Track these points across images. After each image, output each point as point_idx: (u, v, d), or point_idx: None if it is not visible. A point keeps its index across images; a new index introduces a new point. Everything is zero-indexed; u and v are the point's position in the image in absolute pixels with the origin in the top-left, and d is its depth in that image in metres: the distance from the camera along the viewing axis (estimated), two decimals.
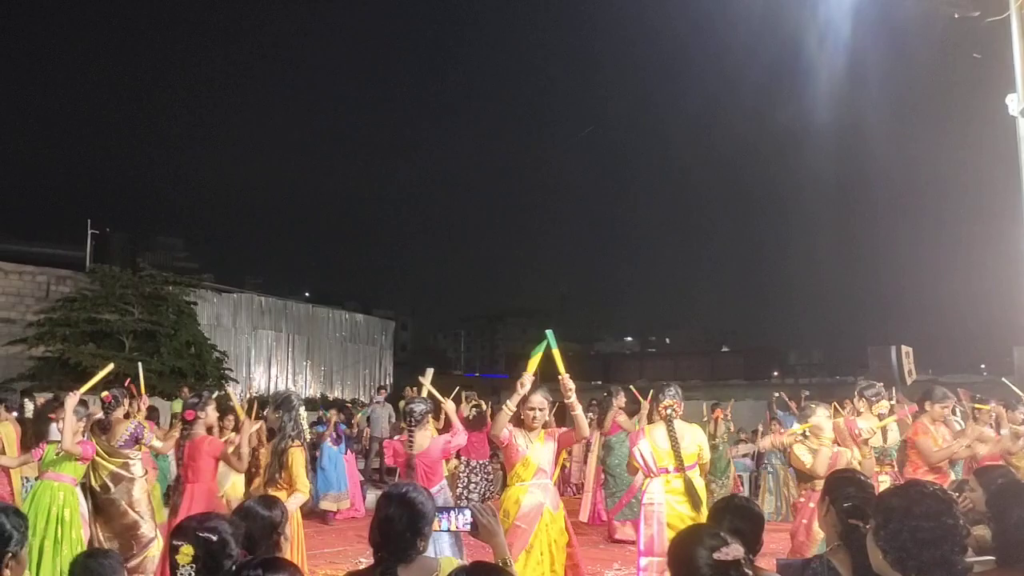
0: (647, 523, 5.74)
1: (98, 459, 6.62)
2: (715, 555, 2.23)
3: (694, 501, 5.65)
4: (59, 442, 6.08)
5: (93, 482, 6.67)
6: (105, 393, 6.90)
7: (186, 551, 2.66)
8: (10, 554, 2.49)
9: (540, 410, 5.28)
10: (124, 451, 6.75)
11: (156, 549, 6.50)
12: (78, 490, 6.32)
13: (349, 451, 12.35)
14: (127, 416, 6.95)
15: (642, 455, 5.89)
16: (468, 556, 5.39)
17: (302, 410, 5.77)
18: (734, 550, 2.25)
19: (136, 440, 6.78)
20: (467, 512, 3.16)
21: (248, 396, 21.29)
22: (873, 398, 6.45)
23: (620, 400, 10.48)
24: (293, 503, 5.32)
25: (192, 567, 2.63)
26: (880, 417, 6.30)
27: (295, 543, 5.44)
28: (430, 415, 6.23)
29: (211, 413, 6.23)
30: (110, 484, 6.70)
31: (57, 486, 6.12)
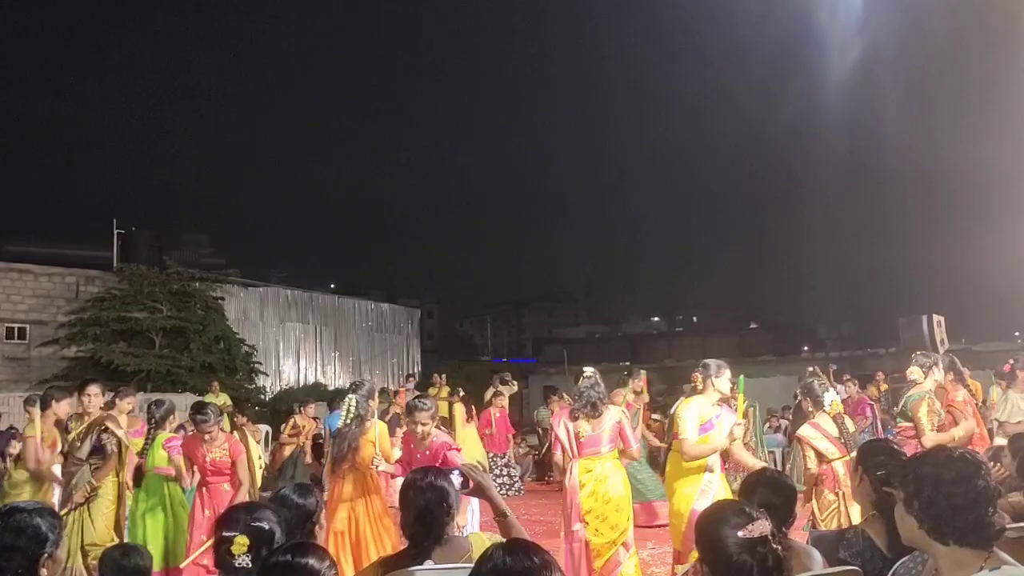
0: None
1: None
2: (740, 533, 2.20)
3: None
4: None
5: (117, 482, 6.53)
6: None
7: (241, 541, 2.69)
8: (46, 554, 2.50)
9: None
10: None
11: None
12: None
13: None
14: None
15: None
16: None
17: (346, 397, 5.93)
18: (760, 526, 2.22)
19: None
20: (456, 472, 3.21)
21: (279, 390, 21.53)
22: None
23: (637, 384, 10.50)
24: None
25: (248, 556, 2.67)
26: (908, 384, 6.26)
27: (363, 534, 5.56)
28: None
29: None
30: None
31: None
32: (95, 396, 6.65)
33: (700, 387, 5.76)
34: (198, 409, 6.13)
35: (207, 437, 5.97)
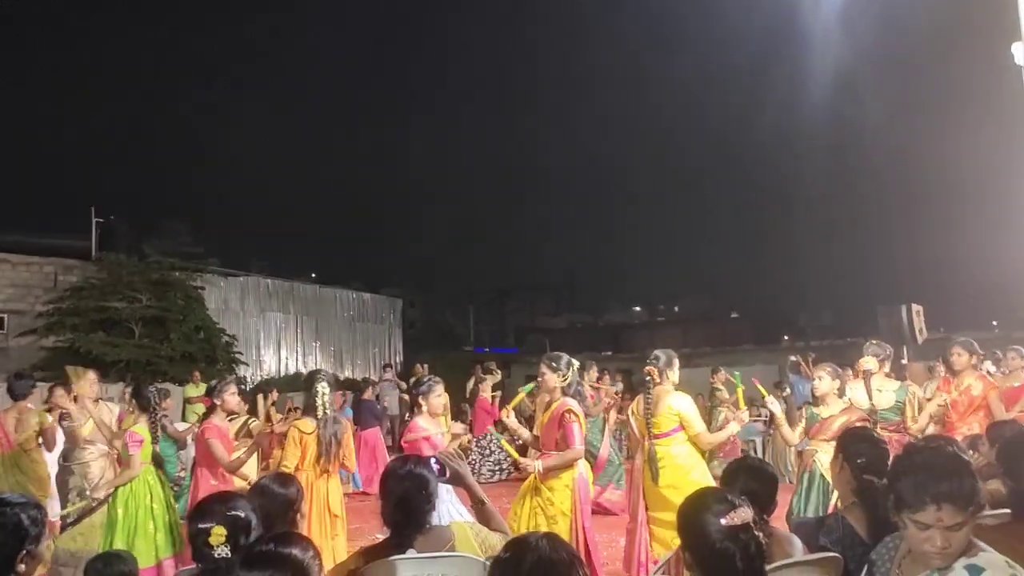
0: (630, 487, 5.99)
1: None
2: (723, 520, 2.23)
3: (652, 471, 5.50)
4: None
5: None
6: None
7: (219, 532, 2.69)
8: (25, 551, 2.45)
9: None
10: None
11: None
12: None
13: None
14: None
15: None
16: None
17: (319, 387, 5.75)
18: (742, 513, 2.24)
19: None
20: (432, 460, 3.22)
21: (259, 379, 21.42)
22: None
23: (591, 374, 10.53)
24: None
25: (227, 547, 2.67)
26: (864, 375, 6.28)
27: (326, 522, 5.50)
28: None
29: (228, 398, 6.22)
30: None
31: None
32: (94, 383, 6.73)
33: (658, 380, 5.65)
34: (224, 386, 6.26)
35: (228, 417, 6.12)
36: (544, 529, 5.05)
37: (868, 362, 6.27)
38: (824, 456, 5.51)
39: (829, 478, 5.37)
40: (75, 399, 6.95)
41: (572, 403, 5.35)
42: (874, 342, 6.52)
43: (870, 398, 6.12)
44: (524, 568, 1.80)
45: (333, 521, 5.56)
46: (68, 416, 6.96)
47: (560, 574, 1.79)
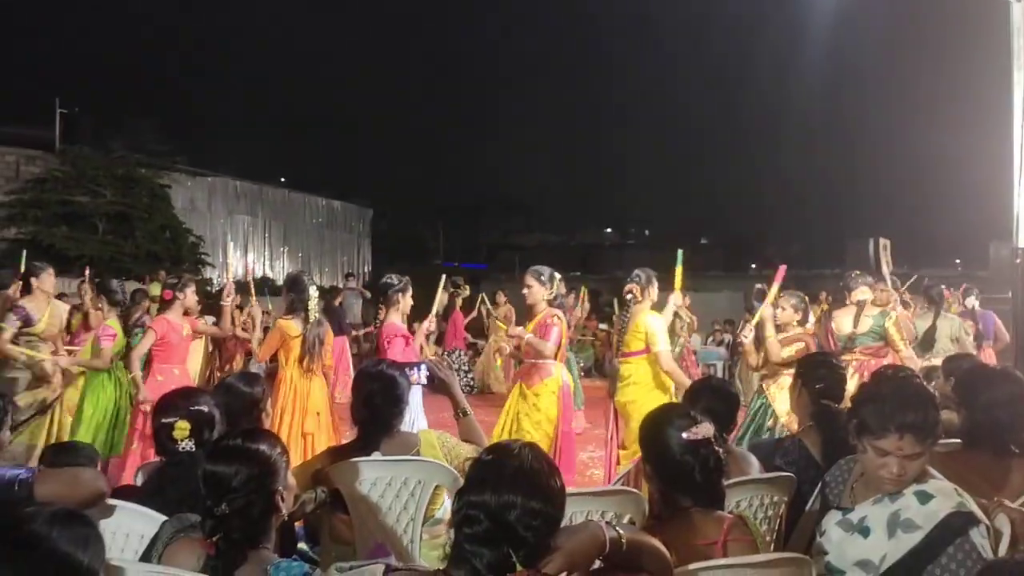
0: None
1: None
2: (684, 435, 2.27)
3: (611, 388, 5.83)
4: None
5: None
6: None
7: (182, 426, 2.74)
8: None
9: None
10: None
11: None
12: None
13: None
14: None
15: None
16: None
17: (311, 290, 5.95)
18: (704, 428, 2.29)
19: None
20: (423, 367, 3.27)
21: (226, 281, 21.26)
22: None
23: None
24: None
25: (190, 441, 2.71)
26: (859, 304, 6.38)
27: (304, 419, 5.61)
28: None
29: (190, 295, 6.24)
30: None
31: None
32: (51, 277, 6.68)
33: (639, 298, 5.81)
34: (186, 282, 6.29)
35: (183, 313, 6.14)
36: (528, 434, 5.19)
37: (863, 292, 6.37)
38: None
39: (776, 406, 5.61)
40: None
41: (558, 311, 5.58)
42: (858, 273, 6.64)
43: (854, 326, 6.25)
44: (507, 473, 1.81)
45: (316, 419, 5.69)
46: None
47: (541, 484, 1.82)
